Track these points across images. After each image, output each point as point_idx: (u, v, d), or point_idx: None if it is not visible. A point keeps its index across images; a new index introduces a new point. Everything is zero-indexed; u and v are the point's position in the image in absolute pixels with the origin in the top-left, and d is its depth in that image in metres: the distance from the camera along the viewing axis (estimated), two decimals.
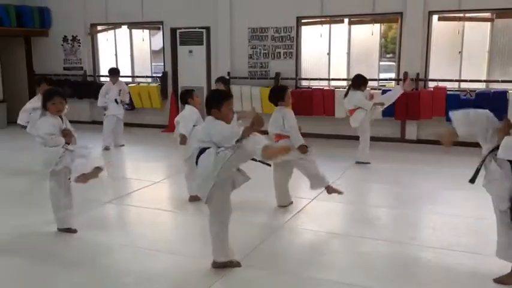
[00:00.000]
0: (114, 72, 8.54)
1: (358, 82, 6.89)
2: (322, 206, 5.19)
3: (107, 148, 8.23)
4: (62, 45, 11.23)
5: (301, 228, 4.63)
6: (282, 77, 9.28)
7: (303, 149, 4.75)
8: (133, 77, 10.98)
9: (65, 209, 4.29)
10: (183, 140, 5.01)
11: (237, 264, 3.58)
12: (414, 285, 3.46)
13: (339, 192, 4.99)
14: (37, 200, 5.06)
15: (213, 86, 9.89)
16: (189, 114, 5.21)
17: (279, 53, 9.40)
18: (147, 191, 5.82)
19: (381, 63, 9.43)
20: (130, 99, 10.19)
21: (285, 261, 3.84)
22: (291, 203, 5.10)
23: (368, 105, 6.84)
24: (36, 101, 6.17)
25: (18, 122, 6.57)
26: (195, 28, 9.87)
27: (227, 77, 8.50)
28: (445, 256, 3.87)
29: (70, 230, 4.32)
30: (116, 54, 11.06)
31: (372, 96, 7.11)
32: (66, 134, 4.17)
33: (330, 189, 5.02)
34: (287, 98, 4.94)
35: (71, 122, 4.45)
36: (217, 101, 3.43)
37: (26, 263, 3.81)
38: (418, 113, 8.41)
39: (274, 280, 3.49)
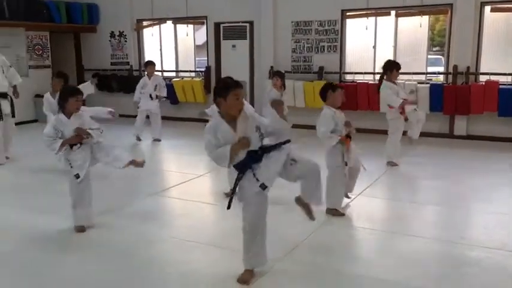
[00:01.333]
0: (149, 63, 8.65)
1: (385, 67, 6.41)
2: (368, 202, 5.09)
3: (138, 138, 8.45)
4: (110, 40, 11.52)
5: (346, 224, 4.55)
6: (326, 71, 9.16)
7: None
8: (177, 71, 11.14)
9: (83, 207, 4.26)
10: None
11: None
12: (465, 286, 3.33)
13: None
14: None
15: (256, 80, 9.93)
16: None
17: (323, 46, 9.28)
18: (191, 184, 5.88)
19: (428, 56, 9.14)
20: (174, 93, 10.39)
21: (329, 257, 3.79)
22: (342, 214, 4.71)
23: (396, 102, 6.19)
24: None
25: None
26: (238, 22, 9.89)
27: (283, 71, 8.38)
28: (497, 256, 3.71)
29: (82, 229, 4.26)
30: (160, 49, 11.24)
31: (406, 101, 6.34)
32: (78, 133, 4.11)
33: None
34: (328, 99, 4.60)
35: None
36: (223, 90, 3.13)
37: (71, 253, 3.93)
38: (468, 108, 8.11)
39: (316, 276, 3.44)
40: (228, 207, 3.18)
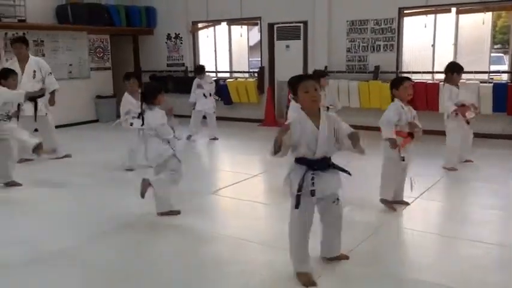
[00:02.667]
0: (198, 71, 8.83)
1: (446, 70, 6.17)
2: (426, 206, 4.93)
3: (188, 137, 8.58)
4: (166, 42, 11.81)
5: (404, 227, 4.43)
6: (382, 70, 8.95)
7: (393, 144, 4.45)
8: (231, 72, 11.26)
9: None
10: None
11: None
12: None
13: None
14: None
15: None
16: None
17: (379, 45, 9.08)
18: (245, 184, 5.92)
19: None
20: (228, 94, 10.50)
21: (386, 261, 3.69)
22: (393, 206, 4.68)
23: (447, 109, 6.03)
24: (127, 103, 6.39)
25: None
26: (292, 23, 9.87)
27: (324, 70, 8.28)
28: None
29: (173, 212, 4.60)
30: (215, 50, 11.41)
31: (463, 108, 6.02)
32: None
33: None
34: (397, 91, 4.50)
35: (173, 115, 4.70)
36: (293, 85, 3.19)
37: (122, 250, 4.06)
38: None
39: (373, 280, 3.36)
40: (297, 206, 3.15)
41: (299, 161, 3.17)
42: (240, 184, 5.89)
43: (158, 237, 4.24)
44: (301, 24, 9.78)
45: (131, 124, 6.36)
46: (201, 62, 11.54)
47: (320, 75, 6.89)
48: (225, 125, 9.52)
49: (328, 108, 7.25)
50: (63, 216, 4.81)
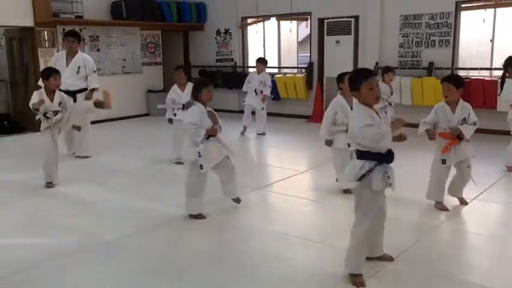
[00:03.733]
0: (259, 61, 8.82)
1: (505, 64, 5.89)
2: (483, 207, 4.72)
3: (243, 132, 8.70)
4: (215, 38, 11.91)
5: (459, 229, 4.28)
6: (436, 66, 8.65)
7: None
8: (279, 67, 11.22)
9: (197, 197, 4.42)
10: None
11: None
12: None
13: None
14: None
15: None
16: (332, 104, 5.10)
17: (434, 41, 8.77)
18: (293, 180, 5.88)
19: None
20: (276, 89, 10.46)
21: (439, 261, 3.56)
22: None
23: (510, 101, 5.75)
24: (174, 92, 6.48)
25: (167, 116, 6.64)
26: (343, 18, 9.70)
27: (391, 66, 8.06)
28: None
29: (200, 216, 4.45)
30: (264, 46, 11.39)
31: None
32: (214, 122, 4.33)
33: None
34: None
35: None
36: (356, 81, 3.09)
37: (172, 242, 4.11)
38: None
39: (427, 282, 3.25)
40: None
41: (368, 156, 3.06)
42: (288, 180, 5.86)
43: (206, 231, 4.28)
44: (352, 19, 9.59)
45: (175, 115, 6.46)
46: (250, 58, 11.61)
47: (385, 70, 7.30)
48: (273, 121, 9.50)
49: (390, 104, 7.16)
50: (113, 209, 4.91)
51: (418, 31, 8.92)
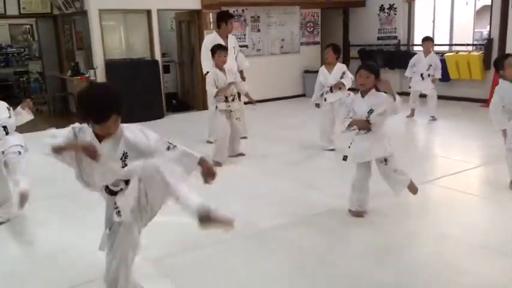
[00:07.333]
0: (427, 39, 7.97)
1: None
2: None
3: (409, 115, 8.19)
4: (378, 14, 11.14)
5: None
6: None
7: None
8: (450, 45, 10.05)
9: (360, 192, 3.96)
10: None
11: None
12: None
13: None
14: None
15: None
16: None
17: None
18: (465, 174, 5.13)
19: None
20: (446, 69, 9.40)
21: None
22: None
23: None
24: None
25: None
26: None
27: None
28: None
29: (359, 214, 4.00)
30: (433, 21, 10.30)
31: None
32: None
33: None
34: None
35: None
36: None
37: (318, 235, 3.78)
38: None
39: None
40: None
41: None
42: (459, 174, 5.11)
43: (360, 230, 3.87)
44: None
45: (325, 99, 6.07)
46: (416, 35, 10.64)
47: None
48: (441, 104, 8.53)
49: None
50: (265, 196, 4.70)
51: None
